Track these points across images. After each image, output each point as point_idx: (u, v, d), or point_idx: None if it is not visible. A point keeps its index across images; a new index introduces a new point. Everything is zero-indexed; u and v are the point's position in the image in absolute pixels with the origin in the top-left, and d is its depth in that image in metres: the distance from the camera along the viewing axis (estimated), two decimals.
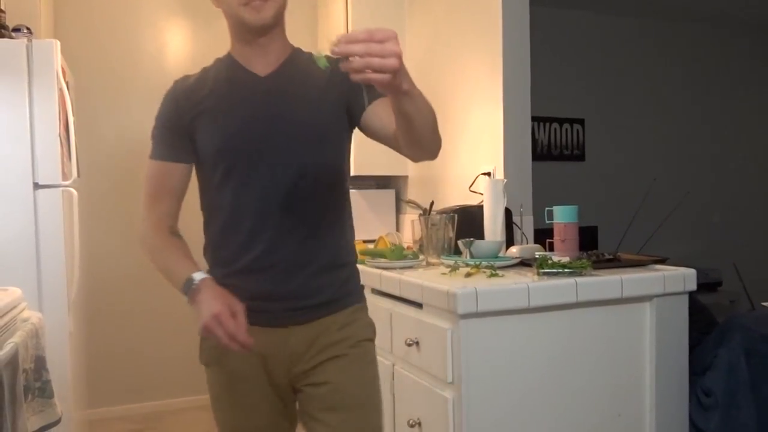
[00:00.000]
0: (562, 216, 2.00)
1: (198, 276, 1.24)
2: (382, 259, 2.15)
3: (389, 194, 3.19)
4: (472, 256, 2.03)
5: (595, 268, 1.85)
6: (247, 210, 1.30)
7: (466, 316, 1.60)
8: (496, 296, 1.62)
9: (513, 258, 2.04)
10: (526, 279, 1.73)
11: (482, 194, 2.28)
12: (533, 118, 2.49)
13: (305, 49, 1.39)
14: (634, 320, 1.80)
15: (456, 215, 2.21)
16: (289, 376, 1.34)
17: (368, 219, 3.11)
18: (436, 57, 2.86)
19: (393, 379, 1.97)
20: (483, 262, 1.92)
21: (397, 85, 0.97)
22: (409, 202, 3.04)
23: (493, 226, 2.20)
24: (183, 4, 3.60)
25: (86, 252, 2.87)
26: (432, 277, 1.81)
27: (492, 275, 1.78)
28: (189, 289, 1.23)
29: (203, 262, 1.36)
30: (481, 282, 1.68)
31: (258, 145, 1.28)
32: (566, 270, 1.77)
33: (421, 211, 2.34)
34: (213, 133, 1.30)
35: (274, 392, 1.35)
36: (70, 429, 2.27)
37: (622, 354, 1.78)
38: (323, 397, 1.31)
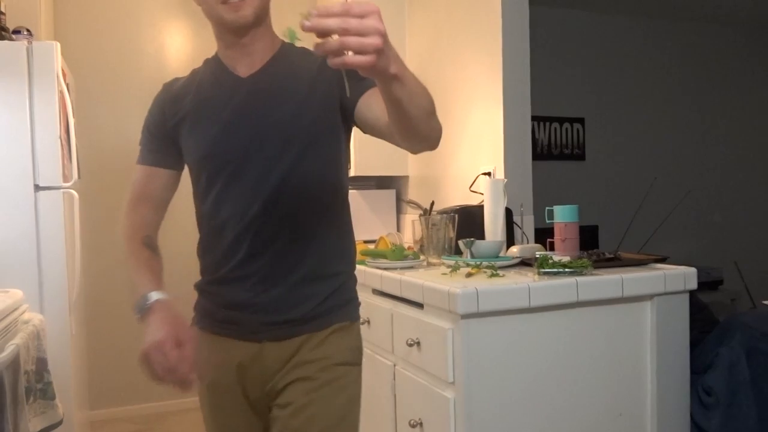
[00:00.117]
0: (563, 215, 2.00)
1: (154, 296, 1.16)
2: (383, 260, 2.15)
3: (390, 194, 3.19)
4: (472, 256, 2.03)
5: (595, 268, 1.85)
6: (228, 218, 1.24)
7: (466, 316, 1.60)
8: (497, 296, 1.62)
9: (513, 258, 2.04)
10: (527, 279, 1.73)
11: (482, 194, 2.28)
12: (533, 118, 2.49)
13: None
14: (634, 319, 1.80)
15: (456, 215, 2.21)
16: (264, 394, 1.28)
17: (369, 219, 3.11)
18: (436, 57, 2.86)
19: (394, 379, 1.97)
20: (483, 262, 1.93)
21: (382, 68, 0.84)
22: (410, 202, 3.04)
23: (493, 226, 2.20)
24: (182, 5, 3.60)
25: (87, 253, 2.87)
26: (433, 278, 1.81)
27: (493, 275, 1.78)
28: (141, 307, 1.16)
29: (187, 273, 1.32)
30: (482, 282, 1.68)
31: (238, 151, 1.22)
32: (567, 269, 1.77)
33: (422, 211, 2.34)
34: (194, 139, 1.26)
35: (250, 408, 1.30)
36: (71, 430, 2.27)
37: (623, 353, 1.78)
38: (285, 421, 1.22)
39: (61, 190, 2.33)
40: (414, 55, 3.06)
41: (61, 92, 2.34)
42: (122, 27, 3.54)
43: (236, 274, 1.24)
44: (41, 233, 2.29)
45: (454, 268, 1.91)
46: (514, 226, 2.34)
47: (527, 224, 2.41)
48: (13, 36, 2.42)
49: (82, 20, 3.46)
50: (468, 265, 1.93)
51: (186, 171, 1.34)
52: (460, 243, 2.09)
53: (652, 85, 4.84)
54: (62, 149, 2.36)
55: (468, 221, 2.24)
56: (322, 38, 0.77)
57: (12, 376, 1.59)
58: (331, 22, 0.76)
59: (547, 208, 2.08)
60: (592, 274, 1.77)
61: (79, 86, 3.25)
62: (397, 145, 1.13)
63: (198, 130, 1.25)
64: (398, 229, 3.19)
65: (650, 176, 4.62)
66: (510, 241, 2.27)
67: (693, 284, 1.84)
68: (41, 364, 1.91)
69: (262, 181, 1.22)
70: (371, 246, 2.47)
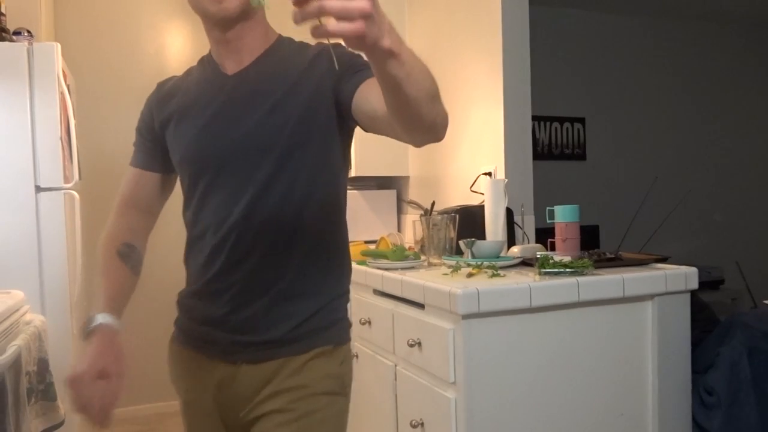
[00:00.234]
0: (564, 215, 2.00)
1: (99, 318, 1.10)
2: (384, 260, 2.15)
3: (390, 195, 3.19)
4: (473, 256, 2.03)
5: (596, 268, 1.85)
6: (207, 228, 1.15)
7: (467, 316, 1.60)
8: (498, 296, 1.62)
9: (514, 258, 2.04)
10: (528, 279, 1.73)
11: (483, 194, 2.28)
12: (534, 118, 2.49)
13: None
14: (635, 319, 1.80)
15: (457, 215, 2.21)
16: (239, 421, 1.17)
17: (369, 219, 3.11)
18: (437, 57, 2.86)
19: (395, 379, 1.97)
20: (484, 262, 1.92)
21: (373, 39, 0.71)
22: (411, 202, 3.04)
23: (494, 226, 2.20)
24: (183, 6, 3.60)
25: (88, 254, 2.87)
26: (434, 278, 1.81)
27: (493, 275, 1.78)
28: (85, 328, 1.10)
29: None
30: (483, 282, 1.68)
31: (214, 157, 1.13)
32: (568, 269, 1.77)
33: (423, 212, 2.34)
34: (176, 140, 1.18)
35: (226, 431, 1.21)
36: (73, 431, 2.27)
37: (624, 353, 1.78)
38: None
39: (62, 191, 2.34)
40: None
41: (61, 93, 2.34)
42: (123, 28, 3.54)
43: (212, 288, 1.15)
44: (42, 234, 2.29)
45: (455, 269, 1.91)
46: (515, 226, 2.34)
47: (528, 224, 2.41)
48: (14, 37, 2.42)
49: (82, 21, 3.46)
50: (469, 265, 1.93)
51: None
52: (461, 243, 2.09)
53: (653, 85, 4.83)
54: (63, 150, 2.36)
55: (469, 221, 2.24)
56: (299, 5, 0.66)
57: (14, 377, 1.59)
58: None
59: (547, 208, 2.08)
60: (593, 274, 1.77)
61: (80, 87, 3.25)
62: (399, 138, 1.01)
63: (180, 130, 1.18)
64: (399, 229, 3.19)
65: (651, 176, 4.62)
66: (511, 241, 2.27)
67: (694, 284, 1.84)
68: (43, 364, 1.91)
69: (238, 191, 1.12)
70: (372, 246, 2.47)
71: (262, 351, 1.14)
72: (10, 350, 1.62)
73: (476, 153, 2.58)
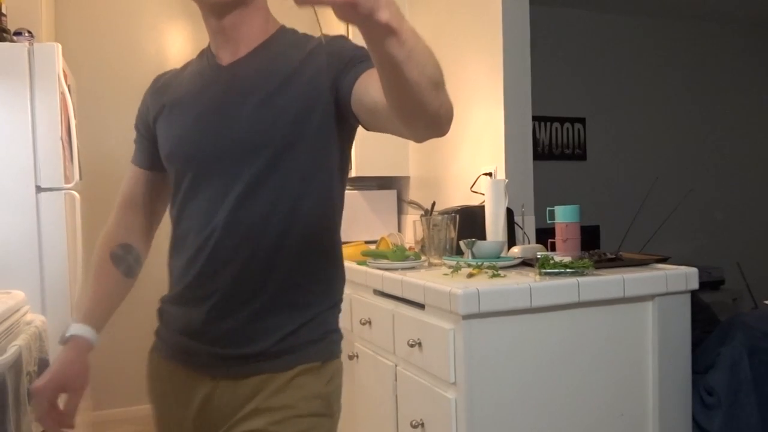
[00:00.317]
0: (564, 216, 2.00)
1: (73, 330, 1.09)
2: (385, 260, 2.15)
3: (391, 195, 3.19)
4: (473, 257, 2.03)
5: (596, 268, 1.85)
6: (189, 229, 1.08)
7: (468, 316, 1.60)
8: (498, 297, 1.62)
9: (515, 258, 2.04)
10: (528, 279, 1.73)
11: (484, 194, 2.28)
12: (534, 118, 2.49)
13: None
14: (636, 320, 1.80)
15: (457, 216, 2.21)
16: None
17: (370, 220, 3.11)
18: (437, 57, 2.86)
19: (396, 380, 1.97)
20: (485, 263, 1.93)
21: (367, 10, 0.64)
22: (411, 202, 3.04)
23: (494, 227, 2.20)
24: (184, 6, 3.61)
25: (89, 254, 2.87)
26: (434, 278, 1.81)
27: (494, 275, 1.78)
28: (62, 336, 1.10)
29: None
30: (483, 282, 1.68)
31: (199, 154, 1.06)
32: (568, 270, 1.77)
33: (423, 212, 2.34)
34: (164, 134, 1.12)
35: None
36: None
37: (625, 353, 1.78)
38: None
39: (63, 191, 2.34)
40: None
41: (62, 93, 2.35)
42: (123, 28, 3.54)
43: (192, 295, 1.07)
44: (43, 234, 2.29)
45: (456, 269, 1.91)
46: (515, 226, 2.34)
47: (528, 224, 2.41)
48: (15, 37, 2.42)
49: (83, 22, 3.47)
50: (469, 265, 1.93)
51: None
52: (462, 243, 2.09)
53: (653, 85, 4.83)
54: (63, 150, 2.36)
55: (469, 222, 2.24)
56: None
57: (14, 378, 1.59)
58: None
59: (548, 208, 2.08)
60: (593, 275, 1.77)
61: (81, 87, 3.25)
62: (401, 134, 0.92)
63: (168, 124, 1.11)
64: (399, 229, 3.19)
65: (651, 176, 4.62)
66: (511, 241, 2.27)
67: (694, 284, 1.84)
68: (43, 365, 1.91)
69: (223, 191, 1.04)
70: (372, 246, 2.47)
71: (244, 366, 1.05)
72: (11, 350, 1.62)
73: (477, 153, 2.58)
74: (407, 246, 2.41)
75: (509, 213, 2.26)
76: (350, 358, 2.29)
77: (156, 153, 1.16)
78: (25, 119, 2.27)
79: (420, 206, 2.65)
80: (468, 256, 2.04)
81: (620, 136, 4.76)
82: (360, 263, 2.27)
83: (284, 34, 1.11)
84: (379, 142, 2.99)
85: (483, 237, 2.21)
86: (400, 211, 3.23)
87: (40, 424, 1.02)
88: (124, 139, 3.48)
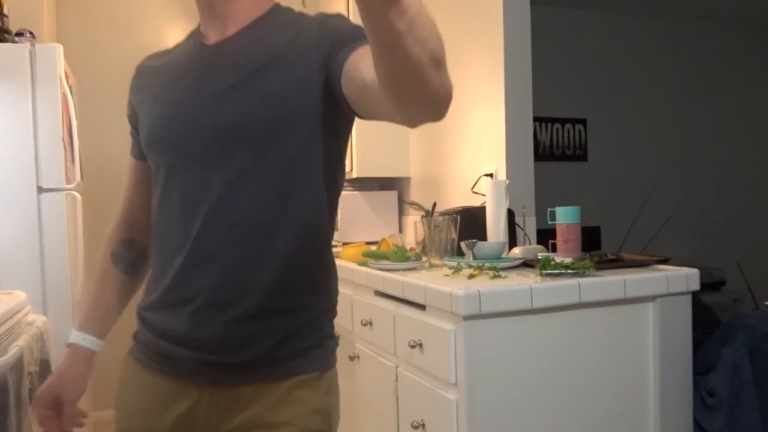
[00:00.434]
0: (565, 217, 2.00)
1: (72, 337, 1.07)
2: (385, 261, 2.15)
3: (392, 196, 3.19)
4: (474, 258, 2.03)
5: (597, 269, 1.85)
6: (169, 224, 0.99)
7: (469, 317, 1.60)
8: (499, 297, 1.62)
9: (516, 259, 2.04)
10: (529, 280, 1.73)
11: (484, 195, 2.28)
12: (535, 119, 2.49)
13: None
14: (637, 320, 1.79)
15: (458, 216, 2.21)
16: None
17: (371, 221, 3.11)
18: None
19: (396, 380, 1.97)
20: (486, 264, 1.92)
21: None
22: (412, 203, 3.05)
23: (495, 228, 2.20)
24: (185, 7, 3.61)
25: (90, 255, 2.88)
26: (435, 279, 1.81)
27: (495, 276, 1.78)
28: (66, 340, 1.09)
29: None
30: (484, 283, 1.68)
31: (183, 136, 0.97)
32: (569, 271, 1.77)
33: (424, 213, 2.34)
34: (143, 121, 1.04)
35: None
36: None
37: (626, 354, 1.78)
38: None
39: (64, 191, 2.34)
40: None
41: (63, 94, 2.35)
42: (125, 29, 3.54)
43: (174, 297, 0.98)
44: (44, 235, 2.29)
45: (457, 270, 1.91)
46: (516, 227, 2.34)
47: (529, 225, 2.41)
48: (16, 38, 2.42)
49: (84, 23, 3.47)
50: (470, 266, 1.93)
51: None
52: (462, 244, 2.09)
53: (654, 85, 4.83)
54: (65, 151, 2.36)
55: (470, 222, 2.24)
56: None
57: (16, 378, 1.60)
58: None
59: (549, 209, 2.08)
60: (594, 276, 1.77)
61: (82, 88, 3.25)
62: (391, 118, 0.82)
63: (147, 109, 1.03)
64: (400, 230, 3.19)
65: (652, 177, 4.62)
66: (512, 242, 2.27)
67: (695, 285, 1.84)
68: (45, 365, 1.91)
69: (204, 182, 0.95)
70: (373, 247, 2.47)
71: (232, 374, 0.97)
72: (12, 351, 1.62)
73: (477, 154, 2.58)
74: (408, 247, 2.41)
75: (510, 214, 2.26)
76: (351, 358, 2.29)
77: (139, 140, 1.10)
78: (26, 120, 2.28)
79: (421, 207, 2.65)
80: (469, 257, 2.04)
81: (621, 136, 4.76)
82: (361, 264, 2.27)
83: (277, 12, 1.03)
84: (380, 143, 2.99)
85: (484, 238, 2.21)
86: (401, 212, 3.23)
87: (42, 428, 1.05)
88: (125, 140, 3.47)
